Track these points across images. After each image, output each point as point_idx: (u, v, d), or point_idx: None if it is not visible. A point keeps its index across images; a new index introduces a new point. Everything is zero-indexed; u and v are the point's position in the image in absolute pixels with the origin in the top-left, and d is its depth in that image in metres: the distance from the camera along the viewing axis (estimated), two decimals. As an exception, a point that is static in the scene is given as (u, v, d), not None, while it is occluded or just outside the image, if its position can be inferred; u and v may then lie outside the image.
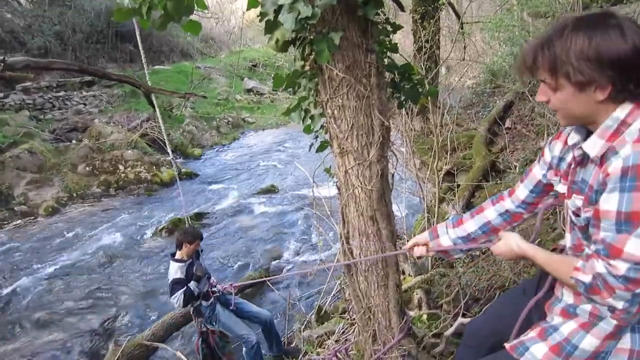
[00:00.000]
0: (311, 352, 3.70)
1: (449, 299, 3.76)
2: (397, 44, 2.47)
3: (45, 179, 12.10)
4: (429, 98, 3.62)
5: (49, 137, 14.71)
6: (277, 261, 8.24)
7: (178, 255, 4.41)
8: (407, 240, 5.25)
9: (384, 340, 2.64)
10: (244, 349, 4.54)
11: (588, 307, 1.38)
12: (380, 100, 2.23)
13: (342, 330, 3.85)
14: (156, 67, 21.99)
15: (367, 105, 2.19)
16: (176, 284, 4.25)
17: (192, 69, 21.57)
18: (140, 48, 4.27)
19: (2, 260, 8.78)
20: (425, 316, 3.53)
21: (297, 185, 12.22)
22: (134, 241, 9.45)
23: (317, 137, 2.62)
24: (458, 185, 6.36)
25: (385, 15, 2.39)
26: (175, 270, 4.30)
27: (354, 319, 3.46)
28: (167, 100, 17.58)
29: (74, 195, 12.01)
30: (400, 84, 2.63)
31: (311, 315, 4.83)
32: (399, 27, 2.40)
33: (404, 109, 5.55)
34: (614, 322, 1.31)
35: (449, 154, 6.40)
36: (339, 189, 2.47)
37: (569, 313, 1.45)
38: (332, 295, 5.47)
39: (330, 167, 2.73)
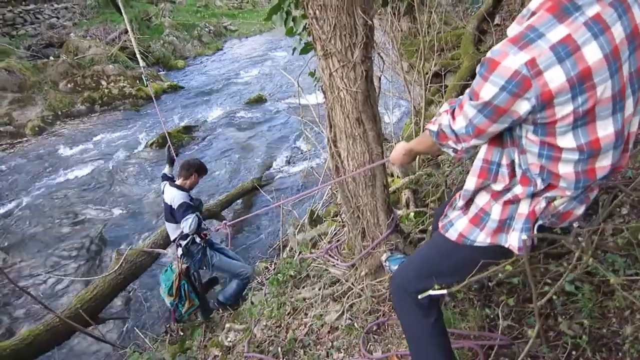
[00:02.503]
0: (305, 252, 3.89)
1: (435, 198, 3.89)
2: None
3: (28, 98, 11.82)
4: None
5: (25, 54, 14.17)
6: (268, 170, 8.37)
7: (180, 182, 4.27)
8: (395, 143, 5.32)
9: (373, 236, 2.79)
10: (235, 281, 4.56)
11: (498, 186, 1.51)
12: (363, -2, 2.16)
13: (334, 232, 4.02)
14: (128, -27, 20.64)
15: (350, 4, 2.12)
16: (188, 208, 4.10)
17: (167, -26, 20.29)
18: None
19: (-2, 180, 8.85)
20: (412, 214, 3.67)
21: (285, 94, 12.07)
22: (125, 156, 9.49)
23: (300, 39, 2.56)
24: (446, 87, 6.31)
25: None
26: (181, 196, 4.13)
27: (345, 220, 3.60)
28: (143, 10, 16.74)
29: (59, 113, 11.81)
30: (384, -20, 2.53)
31: (304, 219, 5.00)
32: None
33: (390, 8, 5.37)
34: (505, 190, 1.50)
35: (436, 54, 6.27)
36: (324, 92, 2.46)
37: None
38: (323, 200, 5.64)
39: (314, 70, 2.70)
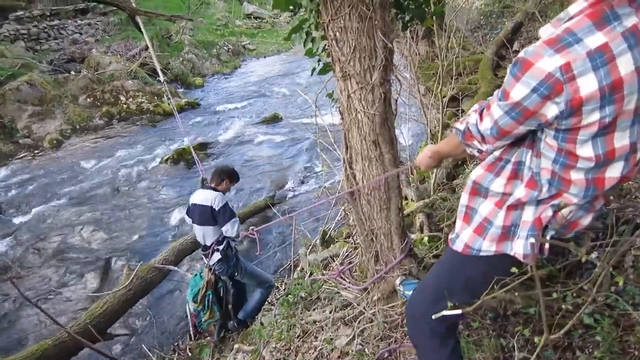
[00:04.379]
0: (316, 273, 3.85)
1: (449, 222, 3.84)
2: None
3: (47, 112, 12.04)
4: (434, 19, 3.50)
5: (47, 69, 14.48)
6: (282, 189, 8.36)
7: (213, 187, 4.22)
8: (410, 168, 5.28)
9: (386, 260, 2.74)
10: (260, 291, 4.60)
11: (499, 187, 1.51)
12: (384, 21, 2.16)
13: (346, 254, 3.97)
14: (152, -9, 21.14)
15: (370, 27, 2.12)
16: (232, 213, 4.07)
17: (189, -7, 20.69)
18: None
19: (14, 192, 8.96)
20: (426, 239, 3.62)
21: (300, 113, 12.13)
22: (140, 171, 9.56)
23: (319, 60, 2.57)
24: (462, 111, 6.29)
25: None
26: (221, 197, 4.09)
27: (357, 242, 3.56)
28: (164, 28, 17.10)
29: (77, 127, 11.99)
30: (404, 4, 2.54)
31: (316, 239, 4.96)
32: (403, -59, 2.28)
33: (408, 32, 5.39)
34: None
35: (453, 79, 6.27)
36: (341, 113, 2.45)
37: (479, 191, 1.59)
38: (335, 220, 5.59)
39: (332, 92, 2.70)
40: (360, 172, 2.54)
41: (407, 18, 2.54)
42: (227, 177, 4.27)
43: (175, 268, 5.44)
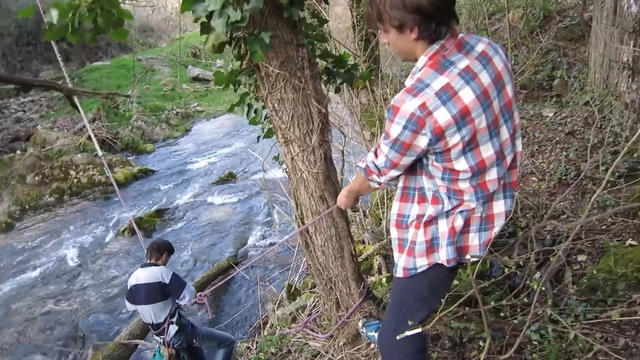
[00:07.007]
0: (284, 327, 3.92)
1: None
2: (325, 34, 2.64)
3: (-6, 195, 11.71)
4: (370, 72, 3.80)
5: (-9, 150, 14.17)
6: (244, 247, 8.40)
7: (156, 262, 4.19)
8: (364, 212, 5.48)
9: (347, 306, 2.89)
10: (222, 351, 4.57)
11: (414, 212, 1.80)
12: (316, 90, 2.41)
13: (312, 304, 4.07)
14: (95, 63, 21.23)
15: (304, 96, 2.37)
16: (183, 281, 4.06)
17: (133, 63, 20.90)
18: (58, 55, 4.16)
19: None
20: (384, 279, 3.80)
21: (254, 171, 12.28)
22: (97, 245, 9.37)
23: (262, 128, 2.79)
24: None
25: (313, 8, 2.55)
26: (167, 269, 4.07)
27: (319, 292, 3.69)
28: (111, 99, 17.12)
29: (27, 207, 11.67)
30: (334, 70, 2.82)
31: (282, 293, 5.04)
32: (325, 21, 2.58)
33: (346, 86, 5.74)
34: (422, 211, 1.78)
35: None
36: (288, 175, 2.66)
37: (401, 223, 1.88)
38: (299, 272, 5.70)
39: (278, 155, 2.91)
40: (312, 226, 2.72)
41: (337, 82, 2.81)
42: (166, 249, 4.27)
43: (143, 341, 5.35)
